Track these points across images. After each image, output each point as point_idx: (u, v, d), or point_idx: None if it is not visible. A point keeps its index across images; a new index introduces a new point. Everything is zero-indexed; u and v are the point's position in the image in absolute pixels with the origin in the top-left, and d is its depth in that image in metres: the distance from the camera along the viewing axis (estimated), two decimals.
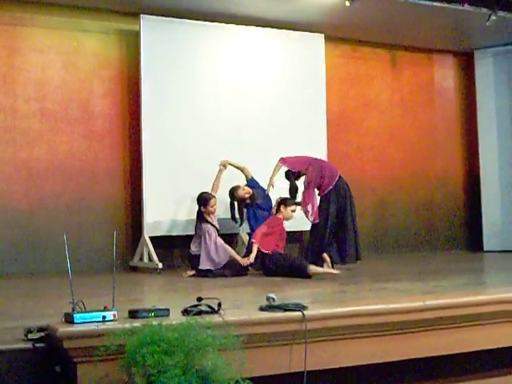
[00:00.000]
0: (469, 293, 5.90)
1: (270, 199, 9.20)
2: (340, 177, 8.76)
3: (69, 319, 4.25)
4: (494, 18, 10.04)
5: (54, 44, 9.61)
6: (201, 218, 8.72)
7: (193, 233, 9.20)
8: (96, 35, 9.91)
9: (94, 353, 3.95)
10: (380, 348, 5.07)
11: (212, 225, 8.68)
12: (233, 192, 9.24)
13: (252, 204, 9.26)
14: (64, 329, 4.13)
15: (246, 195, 9.23)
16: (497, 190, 11.96)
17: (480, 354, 5.51)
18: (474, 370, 5.60)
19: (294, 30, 10.68)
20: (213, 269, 8.46)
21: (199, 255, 8.55)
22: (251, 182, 9.36)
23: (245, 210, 9.30)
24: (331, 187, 8.66)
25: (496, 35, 11.28)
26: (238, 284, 7.65)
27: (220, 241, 8.61)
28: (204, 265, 8.48)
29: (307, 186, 8.74)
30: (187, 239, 9.60)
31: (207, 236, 8.58)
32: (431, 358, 5.29)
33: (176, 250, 9.98)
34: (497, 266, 9.77)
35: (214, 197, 8.83)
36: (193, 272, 8.61)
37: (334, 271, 8.14)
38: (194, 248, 8.70)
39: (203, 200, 8.74)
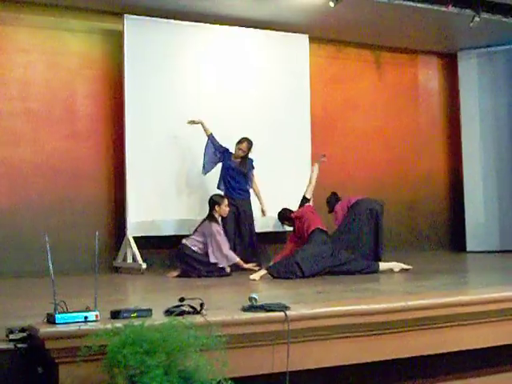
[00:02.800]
0: (451, 293, 5.93)
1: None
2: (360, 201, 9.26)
3: (51, 320, 4.24)
4: (477, 19, 10.06)
5: (37, 43, 9.58)
6: (211, 218, 8.80)
7: (178, 233, 9.32)
8: (80, 35, 9.88)
9: (76, 353, 3.95)
10: (362, 348, 5.08)
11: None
12: (239, 141, 9.47)
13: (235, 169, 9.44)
14: (46, 329, 4.11)
15: (240, 153, 9.44)
16: (479, 190, 12.02)
17: (462, 354, 5.53)
18: (455, 370, 5.63)
19: (279, 30, 10.69)
20: (225, 266, 8.65)
21: (202, 254, 8.64)
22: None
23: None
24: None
25: (480, 37, 11.33)
26: (221, 284, 7.65)
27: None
28: (219, 260, 8.63)
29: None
30: (171, 239, 9.62)
31: (217, 234, 8.68)
32: (413, 359, 5.30)
33: (160, 250, 9.95)
34: (479, 267, 9.81)
35: (226, 198, 9.02)
36: (177, 273, 8.62)
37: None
38: (197, 248, 8.71)
39: (216, 200, 8.88)
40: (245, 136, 9.50)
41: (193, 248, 8.66)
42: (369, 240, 8.99)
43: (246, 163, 9.48)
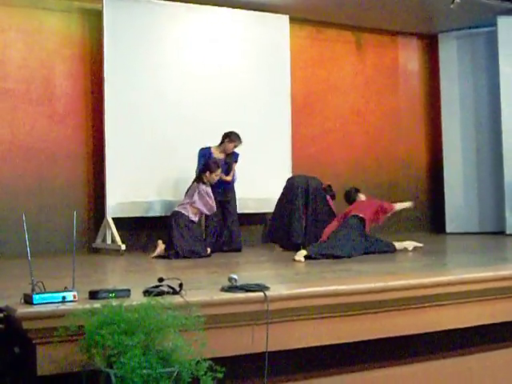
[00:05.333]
0: (431, 274, 5.95)
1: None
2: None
3: (28, 300, 4.20)
4: (457, 0, 10.06)
5: (15, 22, 9.45)
6: (199, 180, 8.84)
7: (157, 214, 9.38)
8: (58, 14, 9.76)
9: (54, 334, 3.93)
10: (342, 329, 5.08)
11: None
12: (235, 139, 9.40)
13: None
14: (23, 310, 4.08)
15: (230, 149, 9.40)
16: (459, 173, 12.06)
17: (442, 334, 5.55)
18: (436, 350, 5.64)
19: (259, 10, 10.61)
20: (204, 212, 8.87)
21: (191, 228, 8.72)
22: None
23: None
24: None
25: (460, 18, 11.31)
26: (201, 265, 7.63)
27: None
28: (200, 206, 8.75)
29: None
30: (151, 221, 9.59)
31: (204, 193, 8.77)
32: (393, 339, 5.31)
33: (139, 231, 9.92)
34: (458, 248, 9.85)
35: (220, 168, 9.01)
36: (157, 252, 8.52)
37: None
38: (191, 214, 8.75)
39: (211, 166, 8.88)
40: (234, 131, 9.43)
41: (185, 214, 8.68)
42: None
43: (231, 156, 9.42)
